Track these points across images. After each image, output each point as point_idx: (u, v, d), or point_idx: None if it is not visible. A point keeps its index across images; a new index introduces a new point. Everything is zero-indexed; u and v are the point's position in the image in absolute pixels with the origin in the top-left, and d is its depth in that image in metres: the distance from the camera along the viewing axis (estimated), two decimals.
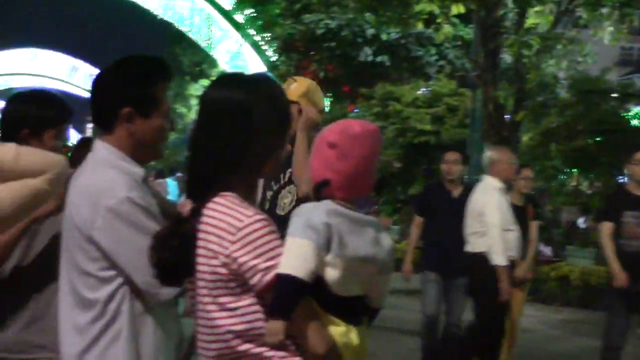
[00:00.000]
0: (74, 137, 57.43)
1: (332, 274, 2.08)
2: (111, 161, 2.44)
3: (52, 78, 43.52)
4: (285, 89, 2.94)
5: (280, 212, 3.94)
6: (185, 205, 2.21)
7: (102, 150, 2.49)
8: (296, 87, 3.85)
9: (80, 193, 2.41)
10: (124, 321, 2.36)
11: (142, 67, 2.51)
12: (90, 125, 78.93)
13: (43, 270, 2.82)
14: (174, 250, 2.11)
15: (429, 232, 7.17)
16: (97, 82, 2.54)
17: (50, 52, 43.34)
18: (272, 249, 2.04)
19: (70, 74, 42.96)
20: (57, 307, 2.49)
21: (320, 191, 2.21)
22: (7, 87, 43.71)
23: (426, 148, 18.16)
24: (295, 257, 2.01)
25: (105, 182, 2.38)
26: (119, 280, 2.36)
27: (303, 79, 4.08)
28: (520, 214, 6.89)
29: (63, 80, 43.04)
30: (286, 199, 4.00)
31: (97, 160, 2.48)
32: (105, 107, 2.51)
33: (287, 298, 2.00)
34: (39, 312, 2.90)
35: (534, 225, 7.34)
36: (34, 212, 2.76)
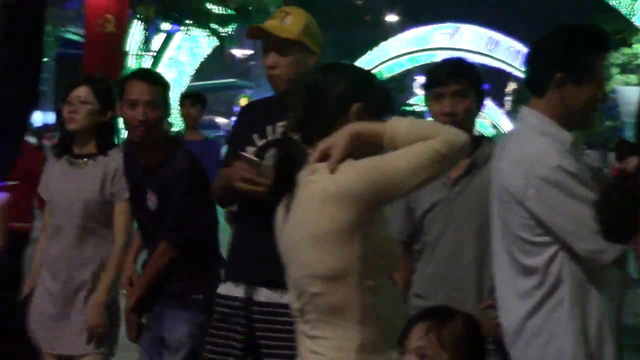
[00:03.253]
0: (493, 111, 58.51)
1: None
2: (541, 128, 2.55)
3: (473, 52, 44.50)
4: (276, 24, 3.05)
5: None
6: (630, 162, 2.38)
7: (531, 118, 2.61)
8: (293, 23, 3.16)
9: (510, 161, 2.54)
10: (566, 287, 2.46)
11: (579, 35, 2.62)
12: (508, 98, 79.84)
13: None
14: (617, 205, 2.22)
15: None
16: (534, 48, 2.70)
17: (470, 27, 44.43)
18: None
19: (491, 48, 43.60)
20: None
21: None
22: (431, 62, 45.99)
23: None
24: None
25: (536, 150, 2.49)
26: (556, 246, 2.45)
27: (294, 9, 3.31)
28: None
29: (483, 54, 43.82)
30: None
31: (526, 128, 2.61)
32: (538, 71, 2.65)
33: None
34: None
35: None
36: None
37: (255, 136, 3.17)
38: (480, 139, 3.24)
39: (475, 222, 3.01)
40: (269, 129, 3.17)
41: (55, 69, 30.13)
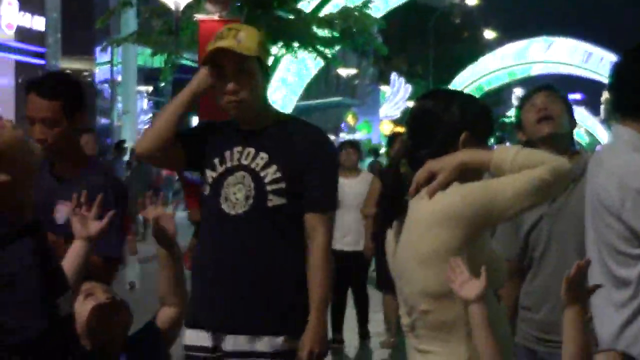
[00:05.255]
0: (588, 119, 55.69)
1: None
2: (635, 144, 2.46)
3: (567, 64, 43.71)
4: (232, 43, 2.74)
5: (228, 210, 2.87)
6: None
7: (625, 135, 2.51)
8: (248, 37, 2.84)
9: (605, 175, 2.46)
10: None
11: None
12: (602, 106, 76.42)
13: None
14: None
15: None
16: (619, 71, 2.59)
17: (564, 40, 43.54)
18: None
19: (585, 60, 42.53)
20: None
21: None
22: (527, 75, 45.28)
23: None
24: None
25: (631, 164, 2.41)
26: None
27: (241, 25, 3.27)
28: None
29: (577, 66, 42.89)
30: (239, 192, 2.88)
31: (620, 144, 2.54)
32: (628, 93, 2.54)
33: None
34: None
35: None
36: None
37: (216, 160, 2.90)
38: (575, 153, 3.18)
39: (577, 236, 2.88)
40: (227, 154, 2.90)
41: (171, 94, 31.05)
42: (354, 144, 8.48)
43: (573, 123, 3.17)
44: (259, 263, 2.83)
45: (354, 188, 7.48)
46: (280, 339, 2.81)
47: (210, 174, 2.86)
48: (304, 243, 2.86)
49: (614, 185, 2.39)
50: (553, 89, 3.21)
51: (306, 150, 2.89)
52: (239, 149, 2.86)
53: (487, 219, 2.12)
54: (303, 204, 2.87)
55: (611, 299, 2.44)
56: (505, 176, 2.10)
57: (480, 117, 2.30)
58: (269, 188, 2.83)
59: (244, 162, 2.86)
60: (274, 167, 2.84)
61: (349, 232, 7.39)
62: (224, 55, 2.75)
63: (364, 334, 7.70)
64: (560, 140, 3.03)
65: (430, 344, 2.18)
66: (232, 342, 2.78)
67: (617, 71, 2.60)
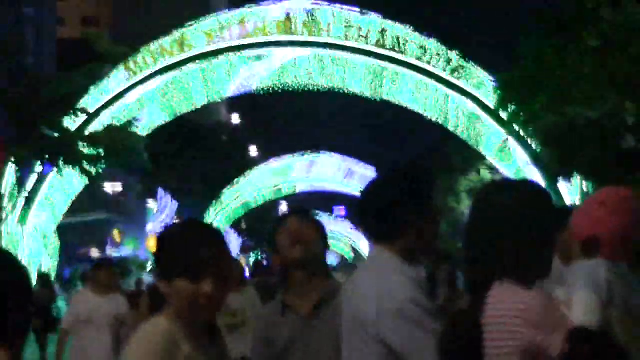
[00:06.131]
0: (350, 233, 59.37)
1: (618, 330, 2.30)
2: (390, 266, 2.56)
3: (330, 182, 46.25)
4: None
5: None
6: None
7: (380, 257, 2.63)
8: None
9: (363, 298, 2.54)
10: None
11: (415, 180, 2.68)
12: None
13: None
14: (462, 344, 2.21)
15: None
16: (368, 198, 2.70)
17: (327, 157, 45.82)
18: (557, 320, 2.12)
19: (346, 176, 45.20)
20: None
21: (589, 248, 2.45)
22: (293, 191, 47.08)
23: None
24: (583, 311, 2.32)
25: (389, 285, 2.50)
26: None
27: None
28: None
29: (340, 183, 45.48)
30: None
31: (376, 266, 2.63)
32: (384, 219, 2.63)
33: (579, 348, 2.08)
34: None
35: None
36: None
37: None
38: (327, 276, 3.34)
39: (327, 352, 3.06)
40: None
41: None
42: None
43: (326, 245, 3.30)
44: None
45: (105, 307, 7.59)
46: None
47: None
48: None
49: (372, 306, 2.46)
50: (306, 212, 3.37)
51: None
52: None
53: None
54: None
55: None
56: None
57: None
58: None
59: None
60: None
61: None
62: None
63: None
64: (312, 263, 3.17)
65: None
66: None
67: (362, 200, 2.71)
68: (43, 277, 20.75)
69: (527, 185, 2.45)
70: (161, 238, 2.37)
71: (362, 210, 2.69)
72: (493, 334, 2.12)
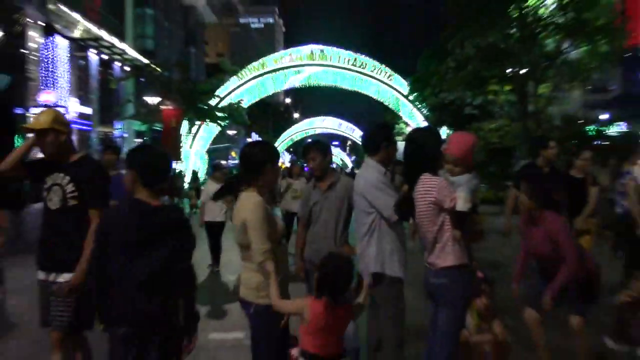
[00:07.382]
0: (339, 154, 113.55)
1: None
2: (375, 167, 4.66)
3: (332, 128, 69.46)
4: (35, 121, 4.13)
5: (52, 206, 4.47)
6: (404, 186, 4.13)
7: (370, 162, 4.62)
8: (45, 117, 4.26)
9: (364, 180, 4.63)
10: (377, 230, 4.64)
11: (382, 129, 4.91)
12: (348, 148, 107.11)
13: None
14: (405, 206, 4.21)
15: None
16: (367, 134, 4.85)
17: (331, 118, 68.82)
18: (449, 191, 3.95)
19: (339, 126, 68.74)
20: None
21: (456, 163, 4.30)
22: (313, 133, 69.85)
23: None
24: (463, 200, 3.96)
25: (371, 176, 4.59)
26: (375, 213, 4.64)
27: (48, 110, 4.45)
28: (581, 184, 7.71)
29: (336, 129, 69.42)
30: (55, 197, 4.41)
31: (368, 167, 4.71)
32: (372, 142, 4.61)
33: (464, 219, 3.96)
34: None
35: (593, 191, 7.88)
36: None
37: (47, 179, 4.35)
38: (332, 170, 5.37)
39: (334, 211, 5.16)
40: (48, 179, 4.34)
41: (151, 142, 37.67)
42: None
43: (329, 158, 5.46)
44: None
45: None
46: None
47: (44, 186, 4.36)
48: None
49: (365, 184, 4.66)
50: (317, 142, 5.49)
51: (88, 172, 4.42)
52: (56, 173, 4.42)
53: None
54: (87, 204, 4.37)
55: (360, 228, 4.74)
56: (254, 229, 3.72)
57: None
58: (68, 195, 4.39)
59: (57, 181, 4.46)
60: (72, 184, 4.42)
61: None
62: (33, 130, 4.31)
63: None
64: (324, 168, 5.38)
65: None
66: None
67: (364, 137, 4.89)
68: (194, 173, 27.92)
69: (429, 128, 4.46)
70: (250, 147, 3.89)
71: (364, 142, 4.82)
72: (422, 195, 3.94)
